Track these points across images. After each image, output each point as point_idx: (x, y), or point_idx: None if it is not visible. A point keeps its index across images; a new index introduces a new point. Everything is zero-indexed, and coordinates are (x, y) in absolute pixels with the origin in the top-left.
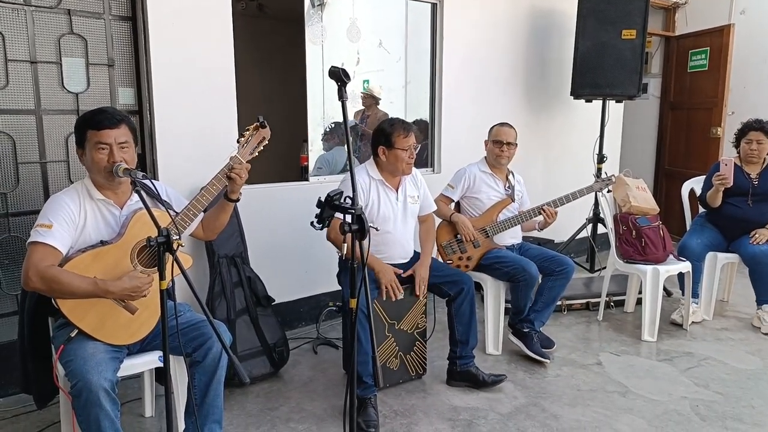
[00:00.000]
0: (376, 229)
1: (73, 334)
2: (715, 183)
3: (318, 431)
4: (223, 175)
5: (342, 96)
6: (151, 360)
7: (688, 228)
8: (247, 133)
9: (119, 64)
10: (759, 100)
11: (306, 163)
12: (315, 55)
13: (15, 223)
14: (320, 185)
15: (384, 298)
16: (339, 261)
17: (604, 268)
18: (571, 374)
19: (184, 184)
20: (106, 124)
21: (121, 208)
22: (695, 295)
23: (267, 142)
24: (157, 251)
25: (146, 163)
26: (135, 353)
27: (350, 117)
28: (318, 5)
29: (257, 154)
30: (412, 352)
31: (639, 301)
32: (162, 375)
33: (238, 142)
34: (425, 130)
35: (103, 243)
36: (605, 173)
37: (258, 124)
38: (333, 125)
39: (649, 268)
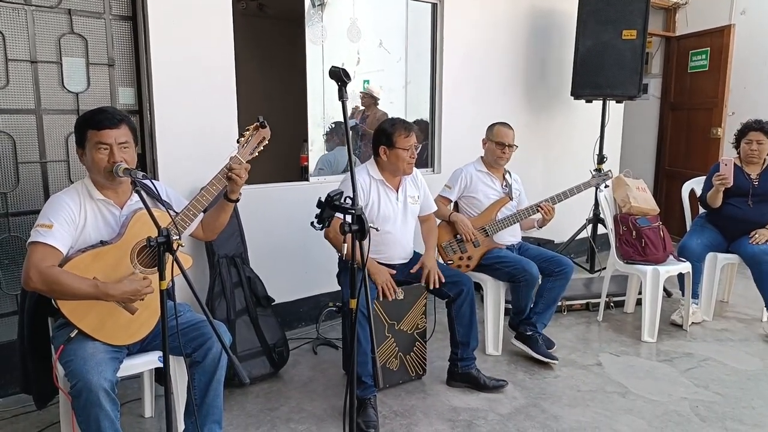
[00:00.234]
0: (377, 230)
1: (72, 335)
2: (715, 183)
3: (318, 431)
4: (223, 175)
5: (342, 96)
6: (150, 360)
7: (688, 228)
8: (247, 133)
9: (119, 64)
10: (759, 100)
11: (306, 163)
12: (315, 55)
13: (15, 222)
14: (320, 185)
15: (381, 299)
16: (339, 261)
17: (604, 268)
18: (571, 375)
19: (184, 183)
20: (106, 124)
21: (121, 208)
22: (695, 295)
23: (267, 142)
24: (157, 251)
25: (146, 162)
26: (135, 353)
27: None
28: (318, 5)
29: (257, 154)
30: (411, 353)
31: (639, 302)
32: (162, 375)
33: (238, 142)
34: (425, 130)
35: (103, 243)
36: (602, 170)
37: (258, 124)
38: (333, 125)
39: (649, 268)
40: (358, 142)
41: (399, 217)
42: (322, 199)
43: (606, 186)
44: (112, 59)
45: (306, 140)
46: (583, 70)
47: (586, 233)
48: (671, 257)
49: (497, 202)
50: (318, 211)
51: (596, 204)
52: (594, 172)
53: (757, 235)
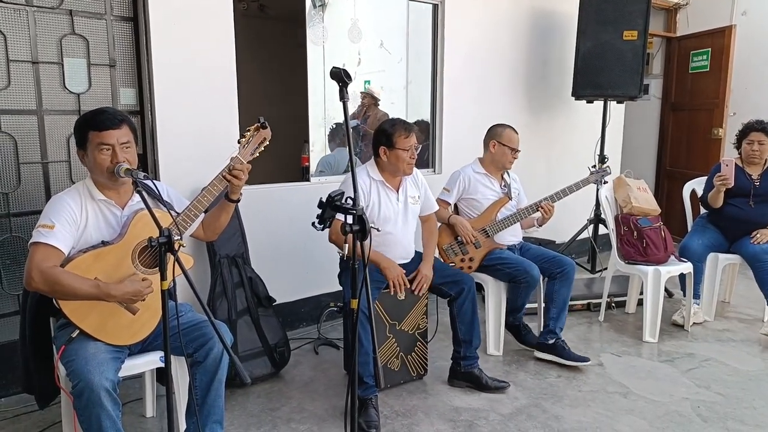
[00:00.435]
0: (377, 230)
1: (74, 335)
2: (716, 183)
3: (319, 431)
4: (224, 176)
5: (343, 96)
6: (152, 360)
7: (689, 229)
8: (248, 133)
9: (121, 65)
10: (760, 100)
11: (307, 164)
12: (316, 56)
13: (16, 223)
14: (321, 186)
15: (392, 293)
16: (340, 261)
17: (605, 269)
18: (572, 375)
19: (185, 184)
20: (108, 125)
21: (123, 209)
22: (696, 296)
23: (268, 142)
24: (158, 251)
25: (147, 163)
26: (136, 353)
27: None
28: (319, 6)
29: (258, 154)
30: (413, 353)
31: (640, 302)
32: (163, 375)
33: (239, 142)
34: (426, 131)
35: (104, 243)
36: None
37: (259, 124)
38: (335, 125)
39: (650, 269)
40: (359, 143)
41: (400, 218)
42: (323, 200)
43: (605, 182)
44: (114, 60)
45: (307, 141)
46: (584, 71)
47: (588, 233)
48: (672, 257)
49: (497, 203)
50: (319, 211)
51: (597, 204)
52: (592, 169)
53: (758, 235)
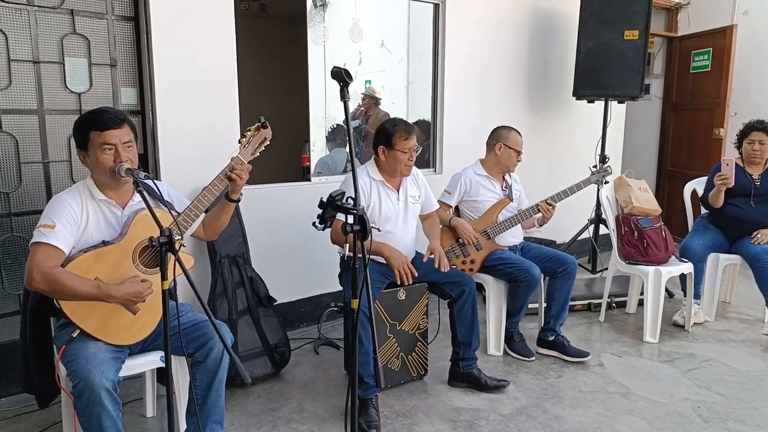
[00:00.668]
0: (378, 230)
1: (75, 335)
2: (717, 183)
3: (319, 431)
4: (225, 176)
5: (344, 96)
6: (152, 360)
7: (690, 229)
8: (249, 133)
9: (122, 64)
10: (761, 100)
11: (308, 164)
12: (317, 56)
13: (17, 222)
14: (322, 186)
15: (399, 282)
16: (341, 261)
17: (606, 269)
18: (573, 375)
19: (186, 183)
20: (110, 125)
21: (123, 209)
22: (697, 296)
23: (268, 142)
24: (159, 251)
25: (148, 163)
26: (137, 353)
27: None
28: (320, 5)
29: (258, 154)
30: (413, 353)
31: (641, 302)
32: (163, 375)
33: (239, 142)
34: (427, 131)
35: (104, 243)
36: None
37: (259, 124)
38: (335, 126)
39: (650, 269)
40: (360, 143)
41: (400, 217)
42: (324, 200)
43: (606, 182)
44: (115, 60)
45: (308, 140)
46: (585, 71)
47: (588, 234)
48: (673, 258)
49: (498, 204)
50: (320, 211)
51: (598, 204)
52: (593, 169)
53: (759, 236)
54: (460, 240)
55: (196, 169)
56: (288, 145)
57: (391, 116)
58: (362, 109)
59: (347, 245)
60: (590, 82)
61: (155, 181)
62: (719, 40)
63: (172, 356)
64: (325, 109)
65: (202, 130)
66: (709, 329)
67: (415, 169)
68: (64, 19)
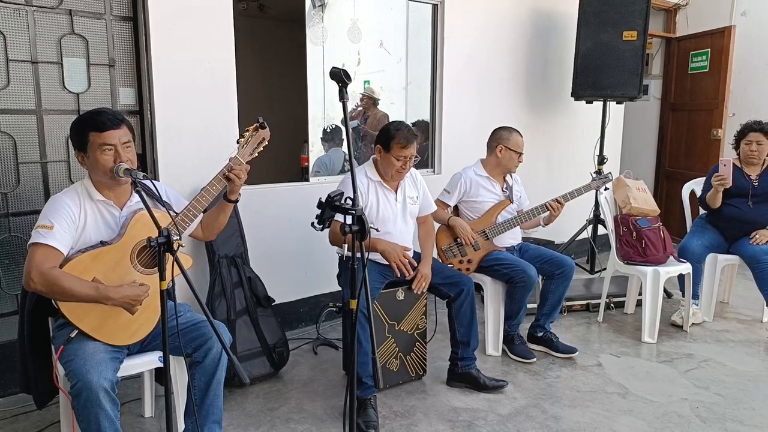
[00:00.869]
0: (377, 230)
1: (73, 335)
2: (714, 184)
3: (317, 431)
4: (223, 176)
5: (343, 97)
6: (151, 360)
7: (688, 229)
8: (247, 133)
9: (120, 65)
10: (760, 101)
11: (306, 164)
12: (316, 56)
13: (15, 223)
14: (320, 186)
15: (398, 275)
16: (339, 262)
17: (605, 269)
18: (571, 375)
19: (185, 184)
20: (109, 126)
21: (121, 209)
22: (695, 296)
23: (267, 142)
24: (157, 251)
25: (147, 163)
26: (135, 353)
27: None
28: (319, 6)
29: (257, 154)
30: (412, 353)
31: (639, 303)
32: (162, 375)
33: (237, 142)
34: (426, 131)
35: (103, 243)
36: (602, 171)
37: (258, 124)
38: (334, 126)
39: (649, 269)
40: (358, 143)
41: (398, 218)
42: (323, 200)
43: (606, 188)
44: (113, 60)
45: (306, 141)
46: (584, 71)
47: (587, 234)
48: (671, 258)
49: (497, 205)
50: (318, 211)
51: (596, 205)
52: (594, 175)
53: (757, 236)
54: (458, 239)
55: (195, 170)
56: (286, 146)
57: (390, 117)
58: (360, 109)
59: (346, 245)
60: (589, 83)
61: (153, 181)
62: (717, 40)
63: (171, 356)
64: (324, 109)
65: (201, 131)
66: (707, 329)
67: (413, 170)
68: (63, 20)
